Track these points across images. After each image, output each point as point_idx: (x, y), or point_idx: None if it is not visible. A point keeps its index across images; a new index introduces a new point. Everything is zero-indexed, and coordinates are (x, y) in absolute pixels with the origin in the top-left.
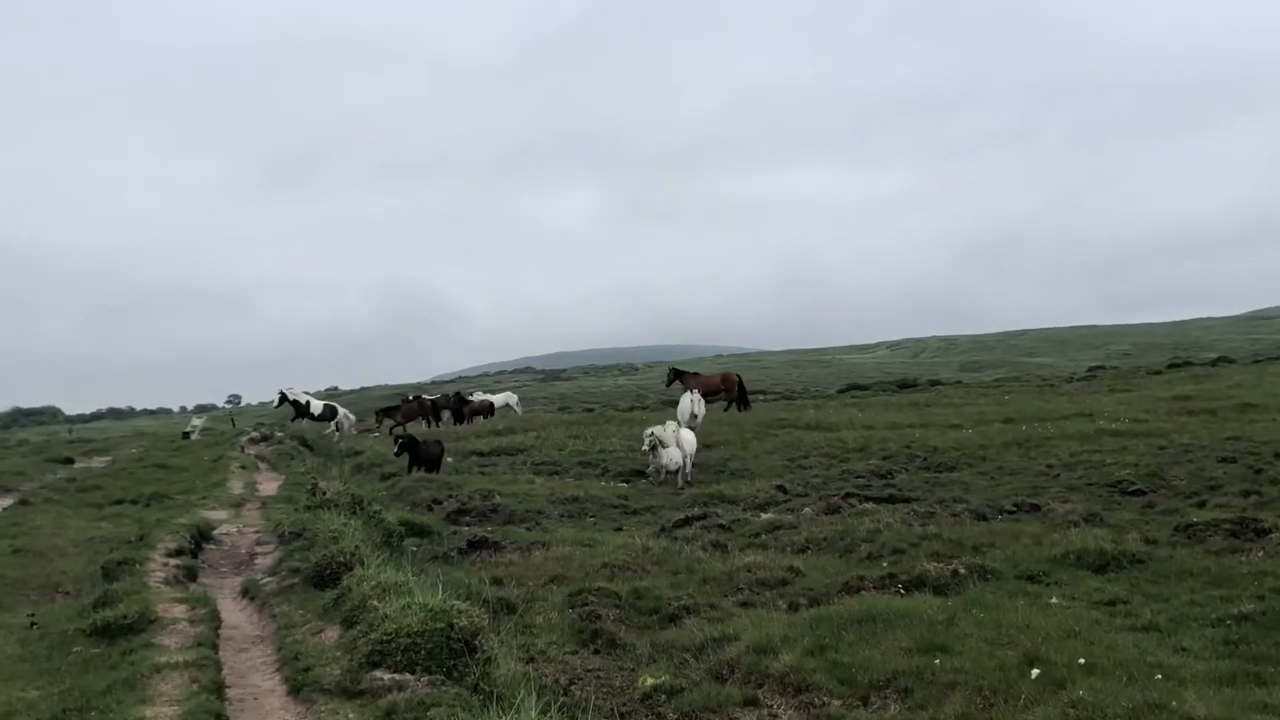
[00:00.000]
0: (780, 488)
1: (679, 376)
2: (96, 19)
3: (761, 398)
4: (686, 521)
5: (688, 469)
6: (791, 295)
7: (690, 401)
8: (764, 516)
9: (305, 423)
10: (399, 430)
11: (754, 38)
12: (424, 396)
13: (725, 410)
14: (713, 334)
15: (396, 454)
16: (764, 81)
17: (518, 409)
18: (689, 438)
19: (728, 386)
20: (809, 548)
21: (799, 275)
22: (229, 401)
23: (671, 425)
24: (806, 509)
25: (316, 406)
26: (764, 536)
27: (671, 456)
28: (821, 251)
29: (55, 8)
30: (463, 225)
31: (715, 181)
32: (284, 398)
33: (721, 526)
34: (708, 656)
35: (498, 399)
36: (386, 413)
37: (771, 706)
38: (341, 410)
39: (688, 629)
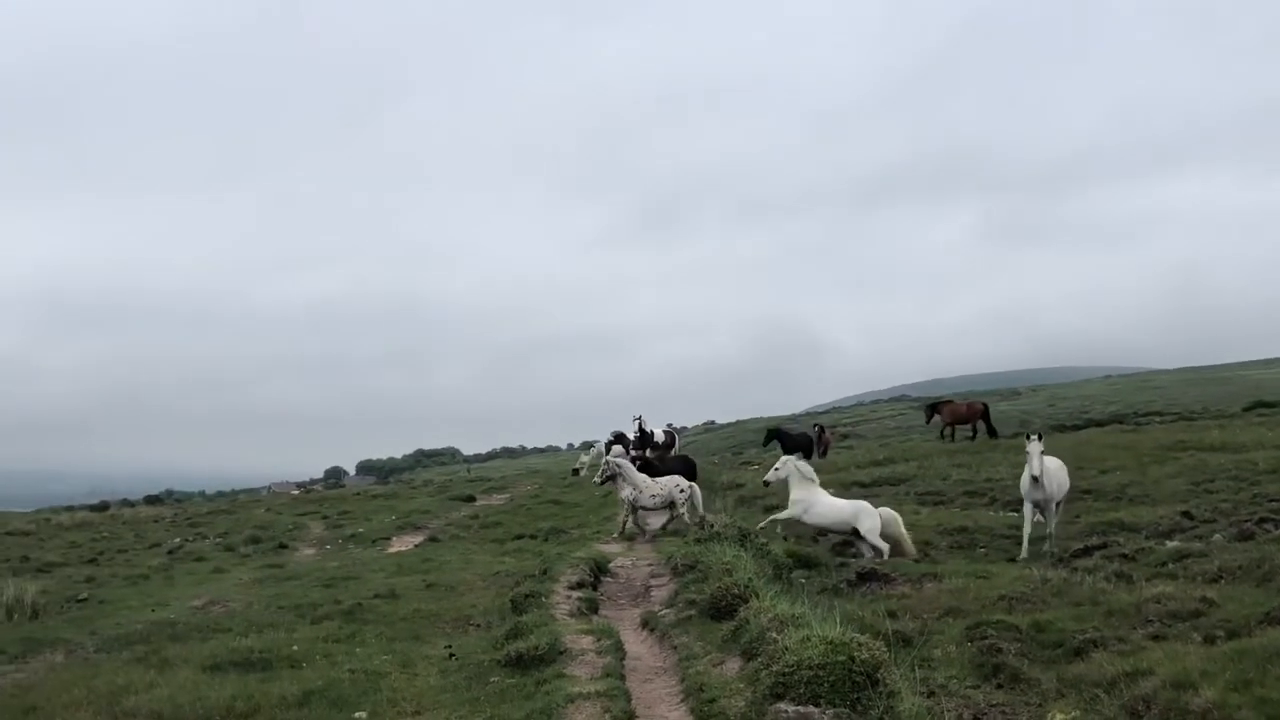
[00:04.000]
0: (1185, 514)
1: (936, 410)
2: (475, 85)
3: (1158, 419)
4: (1086, 551)
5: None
6: (1181, 311)
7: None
8: (1169, 544)
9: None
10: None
11: (1128, 50)
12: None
13: (971, 439)
14: (1097, 354)
15: None
16: (1140, 93)
17: None
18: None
19: (972, 416)
20: (1222, 577)
21: (1188, 289)
22: (612, 438)
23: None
24: (1216, 535)
25: (659, 436)
26: (1171, 565)
27: (640, 492)
28: (1212, 264)
29: (439, 80)
30: (831, 258)
31: (1093, 197)
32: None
33: (1124, 556)
34: (1120, 692)
35: None
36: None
37: None
38: (678, 439)
39: (1095, 663)
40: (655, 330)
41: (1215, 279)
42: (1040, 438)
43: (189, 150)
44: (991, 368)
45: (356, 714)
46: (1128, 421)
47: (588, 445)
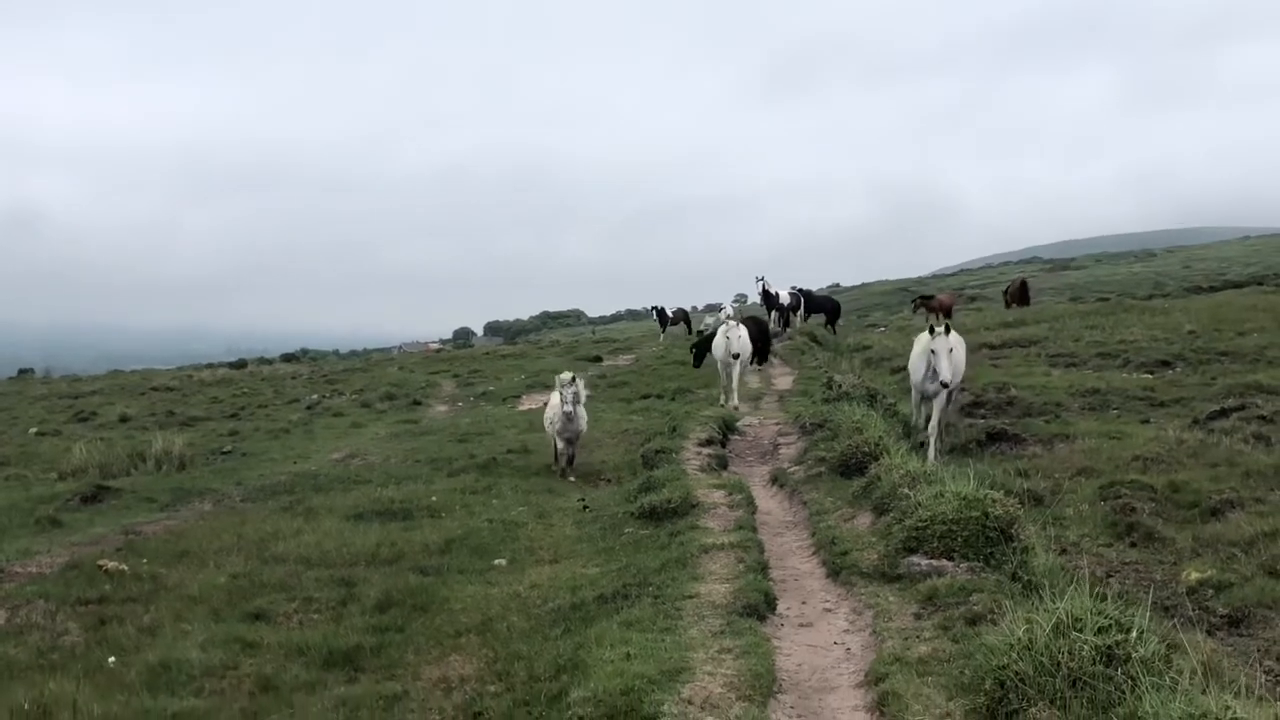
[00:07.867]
0: None
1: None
2: None
3: None
4: (1223, 413)
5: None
6: None
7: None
8: None
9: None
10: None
11: None
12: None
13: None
14: (1237, 215)
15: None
16: None
17: None
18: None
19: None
20: None
21: None
22: (736, 301)
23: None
24: None
25: (784, 298)
26: None
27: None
28: None
29: None
30: (963, 119)
31: (1237, 53)
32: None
33: (1262, 418)
34: (1258, 551)
35: None
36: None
37: None
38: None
39: (1232, 523)
40: (782, 192)
41: None
42: (948, 331)
43: (323, 16)
44: (1125, 228)
45: (496, 560)
46: (1267, 283)
47: (711, 308)
